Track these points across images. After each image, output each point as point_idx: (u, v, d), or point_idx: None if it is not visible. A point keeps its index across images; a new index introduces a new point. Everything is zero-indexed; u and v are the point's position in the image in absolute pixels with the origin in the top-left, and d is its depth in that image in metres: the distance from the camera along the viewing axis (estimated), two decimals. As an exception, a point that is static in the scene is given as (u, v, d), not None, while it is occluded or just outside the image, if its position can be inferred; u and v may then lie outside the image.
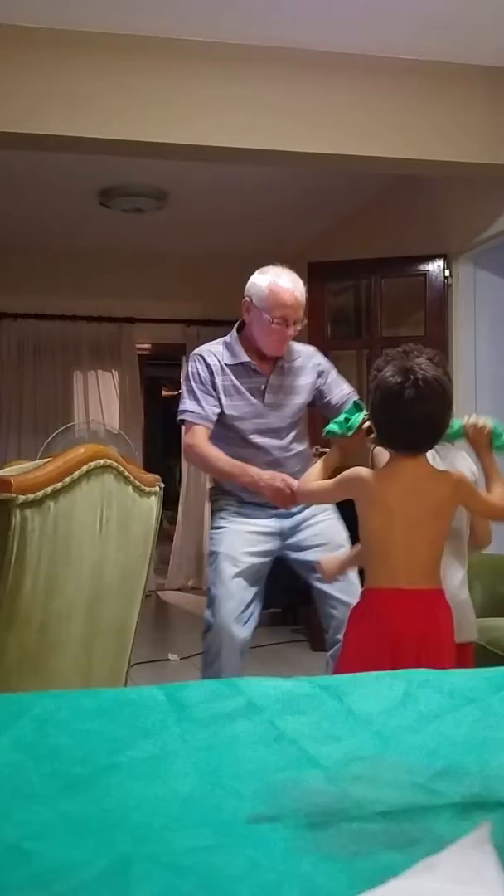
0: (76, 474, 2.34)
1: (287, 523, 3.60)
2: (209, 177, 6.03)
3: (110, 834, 1.07)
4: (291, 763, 1.32)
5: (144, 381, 9.19)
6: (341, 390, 3.71)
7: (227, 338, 3.65)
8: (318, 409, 3.79)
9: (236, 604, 3.44)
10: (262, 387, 3.56)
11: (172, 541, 9.06)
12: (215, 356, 3.58)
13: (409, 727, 1.49)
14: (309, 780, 1.26)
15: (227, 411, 3.54)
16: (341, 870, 0.98)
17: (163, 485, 2.97)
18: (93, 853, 1.02)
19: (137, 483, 2.74)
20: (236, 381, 3.54)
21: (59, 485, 2.27)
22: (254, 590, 3.51)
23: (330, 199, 6.64)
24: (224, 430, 3.57)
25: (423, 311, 5.81)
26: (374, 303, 6.10)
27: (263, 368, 3.57)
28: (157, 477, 2.96)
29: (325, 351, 3.99)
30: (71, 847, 1.03)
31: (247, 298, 3.53)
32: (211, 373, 3.54)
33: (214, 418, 3.53)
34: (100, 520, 2.53)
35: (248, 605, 3.49)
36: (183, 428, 3.64)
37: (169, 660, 5.73)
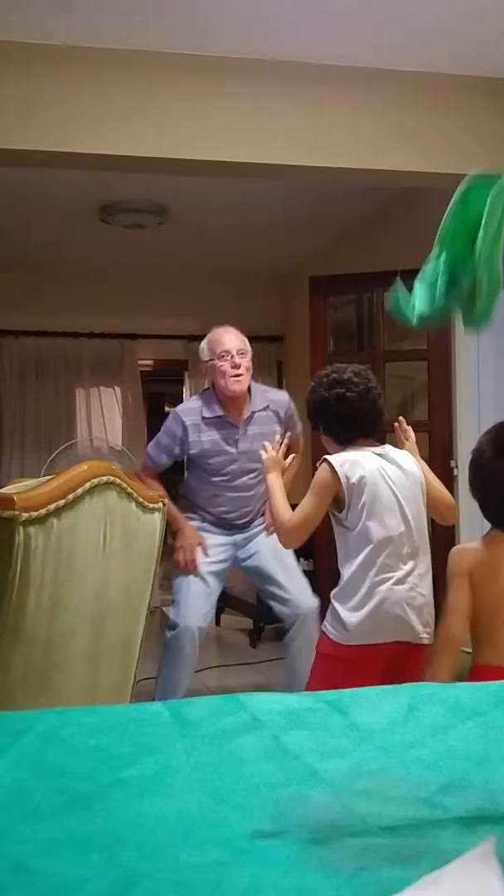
0: (79, 491, 2.34)
1: (240, 536, 4.23)
2: (210, 191, 6.03)
3: (114, 851, 1.07)
4: (295, 778, 1.32)
5: (147, 397, 9.17)
6: (295, 432, 4.16)
7: (204, 394, 4.21)
8: None
9: (198, 607, 4.11)
10: (236, 437, 4.08)
11: (176, 556, 9.02)
12: (194, 413, 4.11)
13: (414, 742, 1.49)
14: (313, 796, 1.26)
15: (206, 460, 4.09)
16: (346, 885, 0.98)
17: (166, 501, 2.98)
18: (97, 870, 1.02)
19: (140, 499, 2.74)
20: (215, 436, 4.07)
21: (62, 502, 2.27)
22: (212, 592, 4.20)
23: (331, 213, 6.63)
24: (202, 471, 4.15)
25: (426, 323, 5.80)
26: (376, 316, 6.10)
27: (236, 419, 4.09)
28: (161, 493, 2.97)
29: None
30: (75, 864, 1.03)
31: (203, 363, 4.14)
32: (185, 432, 4.07)
33: (163, 467, 4.21)
34: (103, 536, 2.53)
35: (208, 606, 4.22)
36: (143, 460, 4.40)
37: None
